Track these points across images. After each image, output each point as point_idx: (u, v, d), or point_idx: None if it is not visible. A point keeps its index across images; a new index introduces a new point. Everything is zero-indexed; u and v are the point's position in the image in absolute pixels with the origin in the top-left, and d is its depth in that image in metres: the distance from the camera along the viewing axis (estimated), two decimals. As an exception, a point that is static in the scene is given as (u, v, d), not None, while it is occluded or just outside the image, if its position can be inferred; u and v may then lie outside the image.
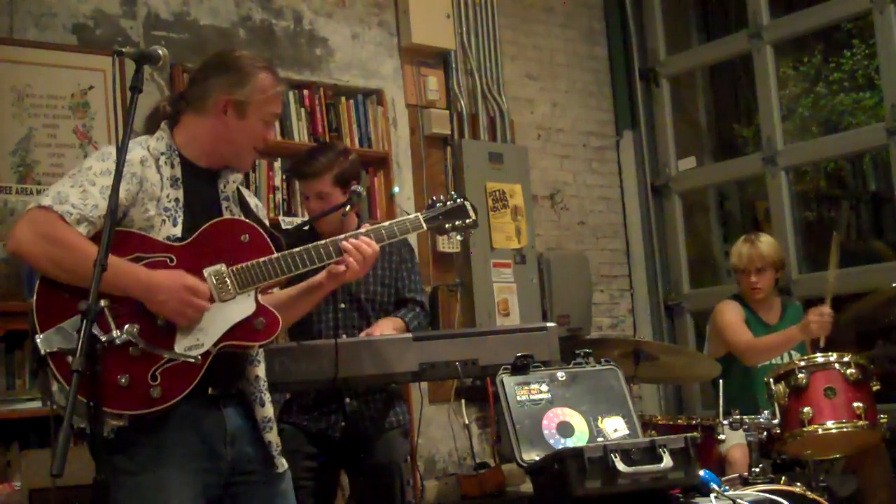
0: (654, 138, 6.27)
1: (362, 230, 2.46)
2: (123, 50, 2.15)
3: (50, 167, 4.00)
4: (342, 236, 2.41)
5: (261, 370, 2.35)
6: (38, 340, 2.05)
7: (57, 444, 1.70)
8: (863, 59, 6.89)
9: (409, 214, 2.62)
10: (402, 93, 5.25)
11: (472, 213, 2.61)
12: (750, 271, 4.17)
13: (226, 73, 2.31)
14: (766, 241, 4.21)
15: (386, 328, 3.16)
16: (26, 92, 3.99)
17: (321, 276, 2.47)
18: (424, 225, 2.55)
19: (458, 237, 2.63)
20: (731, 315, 4.20)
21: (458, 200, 2.60)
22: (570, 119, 6.04)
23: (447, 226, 2.58)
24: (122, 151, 2.02)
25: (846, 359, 3.43)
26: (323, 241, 2.38)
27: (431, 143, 5.33)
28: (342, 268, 2.41)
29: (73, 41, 4.19)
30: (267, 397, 2.34)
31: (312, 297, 2.50)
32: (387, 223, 2.51)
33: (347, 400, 3.16)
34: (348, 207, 3.15)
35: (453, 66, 5.41)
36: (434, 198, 2.62)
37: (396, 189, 5.03)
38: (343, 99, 4.92)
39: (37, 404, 3.63)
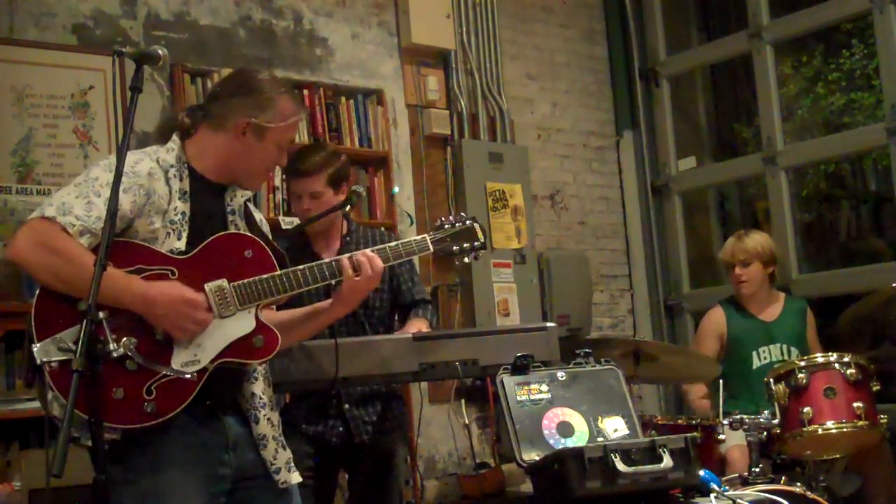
0: (654, 138, 6.27)
1: (367, 250, 2.43)
2: (123, 50, 2.15)
3: (50, 167, 4.00)
4: (346, 255, 2.39)
5: (258, 387, 2.32)
6: (35, 349, 2.05)
7: (56, 445, 1.70)
8: (862, 59, 6.89)
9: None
10: (402, 93, 5.25)
11: (481, 235, 2.57)
12: (734, 264, 4.20)
13: (249, 94, 2.30)
14: (753, 236, 4.25)
15: (423, 327, 3.15)
16: (26, 92, 3.99)
17: (328, 301, 2.46)
18: (431, 247, 2.51)
19: (466, 259, 2.58)
20: (704, 327, 4.34)
21: (468, 222, 2.56)
22: (570, 119, 6.04)
23: (455, 248, 2.54)
24: (122, 150, 2.01)
25: (846, 359, 3.43)
26: (327, 260, 2.36)
27: (431, 143, 5.33)
28: (346, 291, 2.39)
29: (73, 41, 4.19)
30: (262, 414, 2.30)
31: (318, 321, 2.47)
32: (392, 244, 2.49)
33: (346, 407, 3.16)
34: (348, 207, 3.14)
35: (453, 66, 5.42)
36: (443, 218, 2.58)
37: (396, 189, 5.03)
38: (343, 99, 4.92)
39: (37, 404, 3.56)
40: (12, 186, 3.91)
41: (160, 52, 2.12)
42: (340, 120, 4.87)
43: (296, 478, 2.35)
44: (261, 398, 2.32)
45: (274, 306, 2.44)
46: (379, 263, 2.41)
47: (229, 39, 4.66)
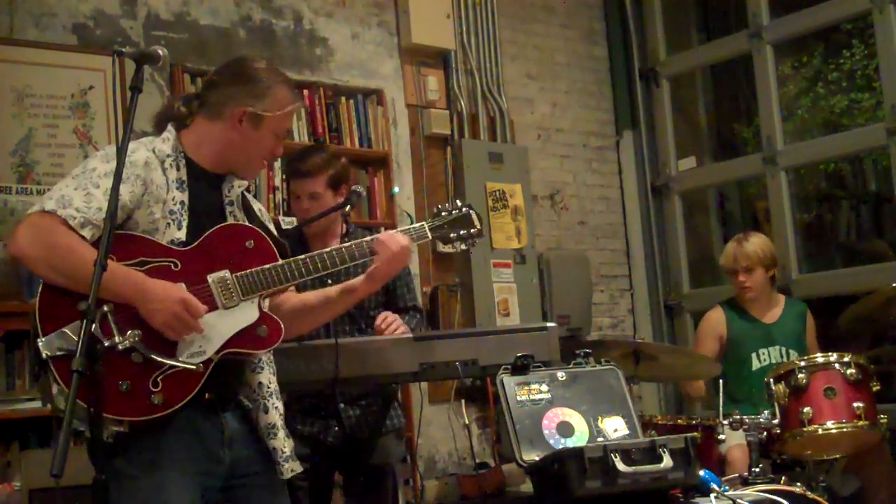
0: (654, 138, 6.27)
1: (368, 238, 2.44)
2: (123, 50, 2.16)
3: (50, 167, 4.00)
4: (350, 243, 2.40)
5: (264, 377, 2.33)
6: (40, 344, 2.05)
7: (57, 444, 1.70)
8: (862, 59, 6.88)
9: (412, 222, 2.60)
10: (402, 93, 5.25)
11: (477, 222, 2.57)
12: (737, 271, 4.18)
13: (246, 83, 2.30)
14: (753, 241, 4.20)
15: (398, 320, 3.15)
16: (26, 92, 3.98)
17: (359, 278, 2.48)
18: (430, 234, 2.52)
19: (463, 246, 2.59)
20: (704, 328, 4.33)
21: (464, 209, 2.56)
22: (570, 119, 6.04)
23: (452, 235, 2.54)
24: (122, 152, 2.01)
25: (846, 359, 3.43)
26: (328, 249, 2.36)
27: (431, 143, 5.33)
28: (378, 272, 2.42)
29: (73, 41, 4.19)
30: (271, 403, 2.31)
31: (348, 300, 2.50)
32: (391, 231, 2.50)
33: (342, 406, 3.16)
34: (348, 207, 3.15)
35: (453, 66, 5.42)
36: (439, 206, 2.58)
37: (396, 189, 5.03)
38: (343, 99, 4.92)
39: (37, 404, 3.63)
40: (12, 186, 3.91)
41: (160, 52, 2.12)
42: (340, 120, 4.87)
43: (298, 466, 2.35)
44: (268, 387, 2.33)
45: (295, 288, 2.45)
46: (401, 239, 2.43)
47: (229, 39, 4.66)
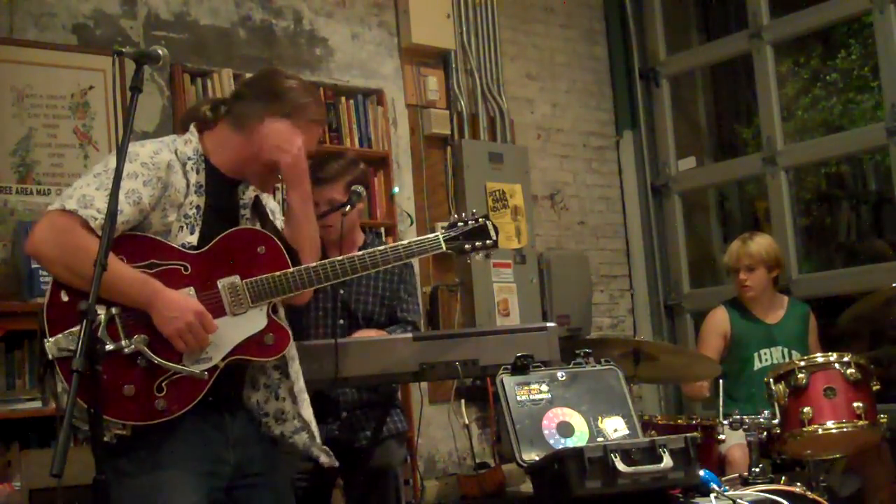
0: (654, 138, 6.28)
1: (381, 248, 2.43)
2: (123, 50, 2.15)
3: (50, 167, 4.00)
4: (358, 253, 2.38)
5: (260, 396, 2.34)
6: (47, 344, 2.04)
7: (57, 444, 1.70)
8: (859, 59, 6.89)
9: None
10: (402, 93, 5.25)
11: (493, 233, 2.57)
12: (739, 269, 4.19)
13: (273, 100, 2.31)
14: (758, 240, 4.22)
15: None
16: (26, 92, 3.98)
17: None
18: (444, 246, 2.51)
19: (478, 258, 2.59)
20: (708, 326, 4.31)
21: (481, 220, 2.56)
22: (570, 119, 6.04)
23: (467, 246, 2.54)
24: (122, 152, 2.01)
25: (846, 359, 3.43)
26: (339, 258, 2.35)
27: (431, 143, 5.33)
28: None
29: (73, 41, 4.19)
30: (264, 421, 2.33)
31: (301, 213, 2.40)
32: (405, 242, 2.49)
33: (344, 415, 3.16)
34: (348, 207, 3.14)
35: (453, 66, 5.41)
36: (455, 216, 2.57)
37: (396, 189, 5.03)
38: (343, 99, 4.92)
39: (37, 404, 3.63)
40: (12, 186, 3.91)
41: (160, 52, 2.12)
42: (340, 120, 4.87)
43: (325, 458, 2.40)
44: (261, 408, 2.33)
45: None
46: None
47: (229, 39, 4.66)
